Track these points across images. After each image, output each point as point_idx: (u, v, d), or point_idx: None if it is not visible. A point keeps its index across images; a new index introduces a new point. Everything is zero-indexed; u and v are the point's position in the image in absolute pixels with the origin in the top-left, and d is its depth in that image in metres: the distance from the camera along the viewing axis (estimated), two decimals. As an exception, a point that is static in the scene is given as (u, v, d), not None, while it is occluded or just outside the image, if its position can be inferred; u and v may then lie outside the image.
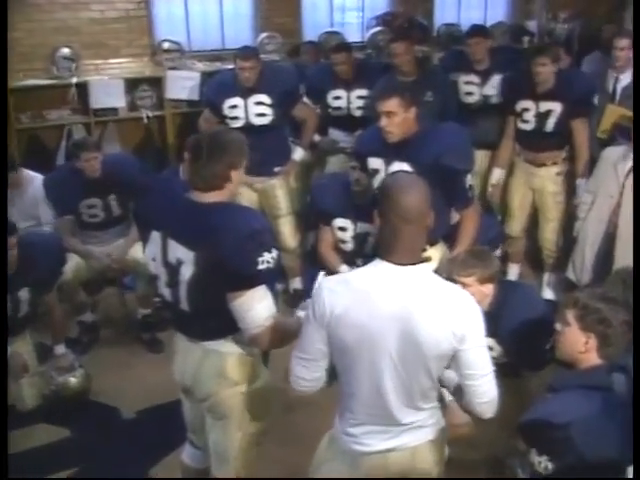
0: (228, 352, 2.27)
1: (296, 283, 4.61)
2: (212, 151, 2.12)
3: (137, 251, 3.83)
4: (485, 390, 1.95)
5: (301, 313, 2.20)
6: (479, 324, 1.91)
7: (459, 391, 2.01)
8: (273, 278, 2.28)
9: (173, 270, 2.17)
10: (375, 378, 1.90)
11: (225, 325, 2.19)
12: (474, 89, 4.66)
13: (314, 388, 2.03)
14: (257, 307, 2.11)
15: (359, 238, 3.64)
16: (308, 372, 1.99)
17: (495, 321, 2.67)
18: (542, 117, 4.19)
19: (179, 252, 2.14)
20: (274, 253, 2.09)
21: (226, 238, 2.03)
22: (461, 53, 4.81)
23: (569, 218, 4.29)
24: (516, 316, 2.69)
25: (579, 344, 2.08)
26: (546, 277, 4.58)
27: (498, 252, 3.77)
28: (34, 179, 4.29)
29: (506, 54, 4.82)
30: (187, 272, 2.12)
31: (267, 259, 2.06)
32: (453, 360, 1.91)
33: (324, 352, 1.95)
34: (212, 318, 2.20)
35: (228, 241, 2.02)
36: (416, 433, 1.99)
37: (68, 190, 4.01)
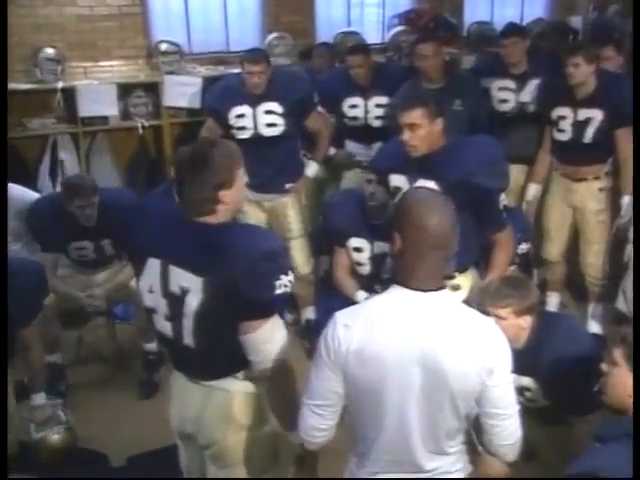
0: (235, 391, 2.26)
1: (308, 313, 4.62)
2: (194, 171, 2.08)
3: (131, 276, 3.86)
4: (511, 432, 1.97)
5: None
6: (508, 357, 1.93)
7: (477, 428, 2.01)
8: (284, 305, 2.28)
9: (176, 301, 2.15)
10: (398, 419, 1.90)
11: (234, 361, 2.20)
12: (509, 96, 4.68)
13: (328, 437, 2.04)
14: (274, 338, 2.12)
15: (377, 259, 3.67)
16: (323, 421, 1.99)
17: (534, 358, 2.68)
18: (580, 126, 4.20)
19: (184, 280, 2.12)
20: (291, 276, 2.10)
21: (240, 259, 2.01)
22: (495, 55, 4.85)
23: (619, 241, 4.28)
24: (558, 353, 2.68)
25: (629, 387, 2.07)
26: (591, 308, 4.55)
27: (525, 247, 3.80)
28: (14, 191, 4.16)
29: (546, 56, 4.83)
30: (194, 302, 2.10)
31: (284, 282, 2.06)
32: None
33: (341, 395, 1.95)
34: (220, 354, 2.20)
35: (242, 262, 2.01)
36: (441, 481, 1.99)
37: (55, 232, 3.94)
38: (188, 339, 2.19)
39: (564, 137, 4.29)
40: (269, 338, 2.11)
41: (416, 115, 3.02)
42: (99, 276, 4.19)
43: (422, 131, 3.03)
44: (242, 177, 2.16)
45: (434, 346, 1.84)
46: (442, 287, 1.91)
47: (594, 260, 4.44)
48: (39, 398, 3.49)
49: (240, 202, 2.23)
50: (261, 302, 2.05)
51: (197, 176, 2.07)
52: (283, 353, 2.15)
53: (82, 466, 3.54)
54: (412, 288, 1.87)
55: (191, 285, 2.10)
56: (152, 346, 4.14)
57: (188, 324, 2.16)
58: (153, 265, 2.20)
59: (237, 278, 2.01)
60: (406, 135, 3.06)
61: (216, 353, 2.20)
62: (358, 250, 3.73)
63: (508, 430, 1.96)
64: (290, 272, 2.10)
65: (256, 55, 4.26)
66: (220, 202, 2.10)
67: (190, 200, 2.09)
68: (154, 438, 3.46)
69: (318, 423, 2.00)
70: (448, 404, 1.89)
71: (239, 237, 2.08)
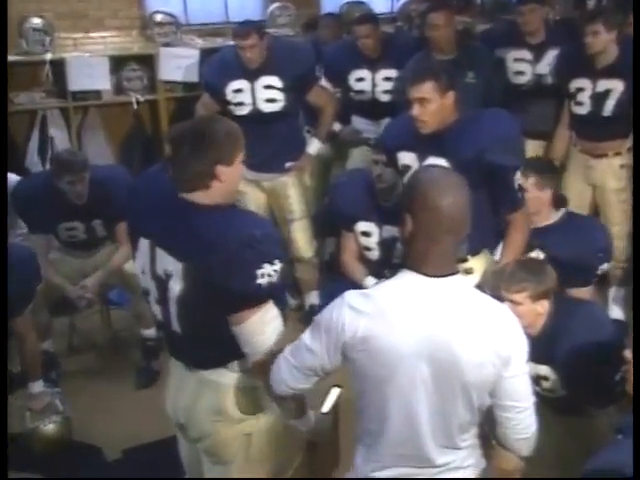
0: (228, 383, 2.25)
1: (312, 298, 4.62)
2: (194, 143, 2.07)
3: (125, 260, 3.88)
4: (526, 425, 1.97)
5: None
6: (524, 347, 1.93)
7: (491, 421, 2.01)
8: (281, 293, 2.25)
9: (162, 284, 2.16)
10: (407, 411, 1.90)
11: (223, 351, 2.19)
12: (525, 67, 4.66)
13: (295, 395, 2.08)
14: (267, 330, 2.10)
15: (385, 244, 3.67)
16: (296, 382, 2.02)
17: (551, 346, 2.68)
18: (599, 98, 4.17)
19: (167, 263, 2.12)
20: (277, 265, 2.05)
21: (218, 245, 2.00)
22: (510, 24, 4.81)
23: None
24: (577, 340, 2.67)
25: (655, 375, 2.06)
26: (612, 292, 4.54)
27: (606, 267, 3.54)
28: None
29: (565, 23, 4.80)
30: (176, 287, 2.10)
31: (268, 272, 2.03)
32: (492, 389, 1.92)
33: (326, 371, 1.98)
34: (208, 342, 2.18)
35: (220, 249, 1.99)
36: (452, 476, 1.99)
37: (43, 211, 3.93)
38: (175, 325, 2.19)
39: (583, 110, 4.26)
40: (259, 330, 2.09)
41: (426, 89, 2.99)
42: (91, 260, 4.18)
43: (433, 105, 3.00)
44: (241, 160, 2.15)
45: (446, 335, 1.84)
46: (455, 272, 1.90)
47: (615, 242, 4.42)
48: (37, 386, 3.52)
49: (235, 185, 2.21)
50: (242, 292, 2.03)
51: (195, 148, 2.06)
52: (278, 345, 2.12)
53: (75, 460, 3.55)
54: (424, 273, 1.86)
55: (173, 269, 2.10)
56: (150, 332, 4.14)
57: (173, 310, 2.16)
58: (144, 245, 2.21)
59: (213, 266, 1.99)
60: (416, 110, 3.03)
61: (203, 342, 2.19)
62: (366, 234, 3.73)
63: (523, 423, 1.97)
64: (277, 261, 2.05)
65: (245, 28, 4.21)
66: (216, 178, 2.08)
67: (185, 172, 2.08)
68: (151, 430, 3.48)
69: (291, 382, 2.02)
70: (460, 396, 1.88)
71: (223, 222, 2.06)
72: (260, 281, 2.02)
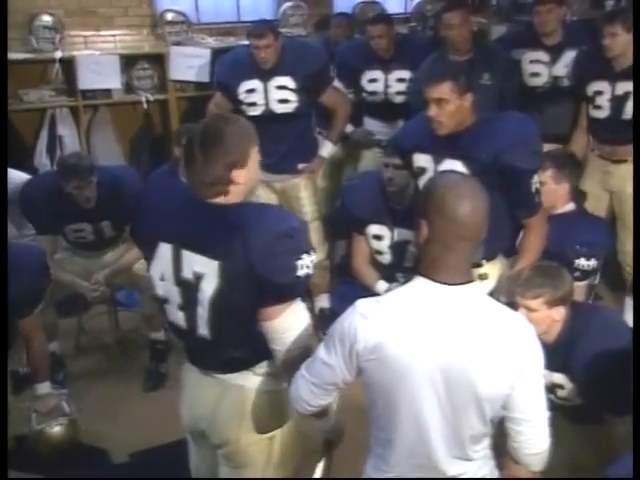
0: (252, 387, 2.25)
1: (323, 301, 4.61)
2: (205, 150, 2.05)
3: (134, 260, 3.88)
4: (539, 441, 1.96)
5: None
6: (540, 360, 1.91)
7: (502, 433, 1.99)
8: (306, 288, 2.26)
9: (190, 288, 2.13)
10: (418, 422, 1.89)
11: (252, 352, 2.18)
12: (542, 69, 4.63)
13: (317, 411, 2.07)
14: (297, 325, 2.11)
15: (397, 247, 3.67)
16: (315, 399, 2.01)
17: (567, 353, 2.66)
18: (619, 101, 4.15)
19: (197, 264, 2.10)
20: (313, 256, 2.08)
21: (258, 238, 2.00)
22: (527, 25, 4.79)
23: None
24: (594, 347, 2.65)
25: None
26: (629, 300, 4.52)
27: (587, 264, 3.48)
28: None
29: (583, 24, 4.78)
30: (209, 288, 2.08)
31: (307, 263, 2.05)
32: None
33: (340, 385, 1.96)
34: (238, 344, 2.18)
35: (260, 242, 1.99)
36: (465, 487, 1.98)
37: (50, 213, 3.94)
38: (203, 329, 2.17)
39: (601, 114, 4.24)
40: (292, 325, 2.10)
41: (445, 89, 2.98)
42: (98, 260, 4.19)
43: (450, 106, 3.00)
44: (256, 156, 2.14)
45: (459, 345, 1.82)
46: (470, 281, 1.88)
47: (632, 249, 4.40)
48: (44, 388, 3.48)
49: (254, 183, 2.20)
50: (282, 285, 2.03)
51: (208, 155, 2.05)
52: (307, 339, 2.13)
53: (81, 462, 3.54)
54: (438, 281, 1.85)
55: (206, 270, 2.08)
56: (159, 335, 4.15)
57: (203, 313, 2.14)
58: (164, 250, 2.18)
59: (255, 260, 1.99)
60: (433, 111, 3.03)
61: (233, 344, 2.18)
62: (378, 238, 3.72)
63: (535, 439, 1.95)
64: (312, 251, 2.08)
65: (261, 28, 4.23)
66: (233, 182, 2.08)
67: (200, 181, 2.07)
68: (158, 433, 3.48)
69: (310, 399, 2.01)
70: (473, 407, 1.87)
71: (255, 216, 2.07)
72: (300, 273, 2.04)
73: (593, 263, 3.44)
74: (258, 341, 2.12)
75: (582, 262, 3.41)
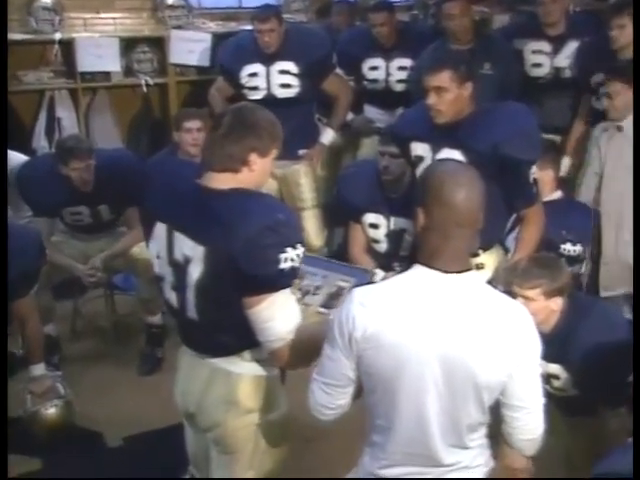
0: (241, 373, 2.25)
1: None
2: (233, 127, 2.10)
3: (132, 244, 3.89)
4: (534, 427, 1.97)
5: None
6: (537, 348, 1.92)
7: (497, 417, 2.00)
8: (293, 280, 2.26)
9: (180, 270, 2.15)
10: (416, 410, 1.89)
11: (239, 338, 2.18)
12: (543, 60, 4.60)
13: (338, 415, 2.03)
14: (280, 316, 2.09)
15: (394, 236, 3.67)
16: (332, 400, 1.99)
17: (564, 344, 2.67)
18: None
19: (187, 247, 2.12)
20: (299, 250, 2.07)
21: (241, 229, 2.00)
22: (529, 14, 4.77)
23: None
24: (591, 338, 2.66)
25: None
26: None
27: (572, 249, 3.54)
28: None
29: (586, 15, 4.76)
30: (195, 272, 2.10)
31: (291, 256, 2.03)
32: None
33: (351, 378, 1.94)
34: (224, 329, 2.18)
35: (244, 232, 1.99)
36: (460, 476, 1.97)
37: (48, 196, 3.93)
38: (191, 311, 2.18)
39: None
40: (274, 315, 2.08)
41: (444, 77, 2.99)
42: (96, 243, 4.18)
43: (450, 95, 3.00)
44: (274, 155, 2.17)
45: (458, 333, 1.82)
46: (468, 268, 1.89)
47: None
48: (39, 369, 3.49)
49: (263, 178, 2.21)
50: (263, 276, 2.03)
51: (237, 129, 2.09)
52: (293, 332, 2.11)
53: (75, 445, 3.54)
54: (436, 269, 1.85)
55: (193, 254, 2.09)
56: (156, 319, 4.15)
57: (191, 295, 2.15)
58: (160, 230, 2.21)
59: (237, 248, 1.99)
60: (432, 99, 3.03)
61: (220, 328, 2.18)
62: (374, 226, 3.72)
63: (531, 425, 1.96)
64: (299, 245, 2.07)
65: (265, 12, 4.28)
66: (247, 165, 2.10)
67: (219, 153, 2.09)
68: (153, 417, 3.49)
69: (326, 402, 1.99)
70: (472, 396, 1.87)
71: (245, 205, 2.06)
72: (283, 265, 2.02)
73: (579, 249, 3.51)
74: (244, 328, 2.11)
75: (568, 247, 3.48)
